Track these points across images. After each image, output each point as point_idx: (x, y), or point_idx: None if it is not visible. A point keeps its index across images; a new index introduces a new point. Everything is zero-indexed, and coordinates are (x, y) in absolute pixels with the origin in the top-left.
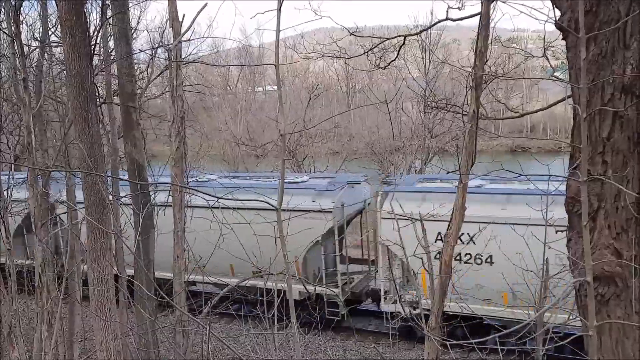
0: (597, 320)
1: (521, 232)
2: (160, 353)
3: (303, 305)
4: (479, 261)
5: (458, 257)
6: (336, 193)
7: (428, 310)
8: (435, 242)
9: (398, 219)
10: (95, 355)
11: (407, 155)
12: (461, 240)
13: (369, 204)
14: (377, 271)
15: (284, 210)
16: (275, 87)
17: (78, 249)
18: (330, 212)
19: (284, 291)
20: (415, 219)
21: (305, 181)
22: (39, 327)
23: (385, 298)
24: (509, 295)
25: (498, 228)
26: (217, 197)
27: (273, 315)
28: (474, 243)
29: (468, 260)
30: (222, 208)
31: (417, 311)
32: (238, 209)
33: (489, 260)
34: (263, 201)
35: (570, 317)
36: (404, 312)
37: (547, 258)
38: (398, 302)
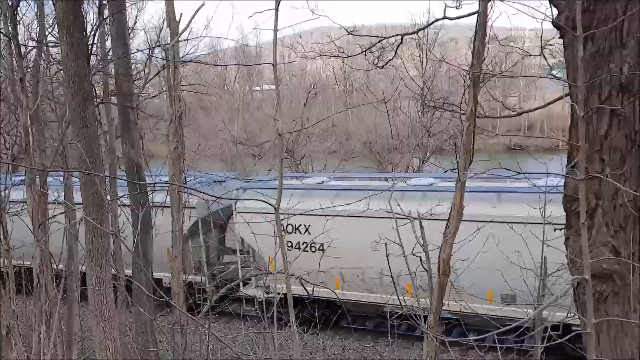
0: (596, 318)
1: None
2: (158, 353)
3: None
4: (313, 249)
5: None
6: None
7: (279, 293)
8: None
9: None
10: (94, 356)
11: (404, 154)
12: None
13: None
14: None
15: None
16: (273, 87)
17: (76, 249)
18: (194, 207)
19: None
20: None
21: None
22: (37, 327)
23: (244, 284)
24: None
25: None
26: (216, 197)
27: (272, 314)
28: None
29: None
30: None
31: (271, 295)
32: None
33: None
34: (262, 201)
35: (569, 315)
36: (259, 295)
37: (545, 257)
38: (254, 287)
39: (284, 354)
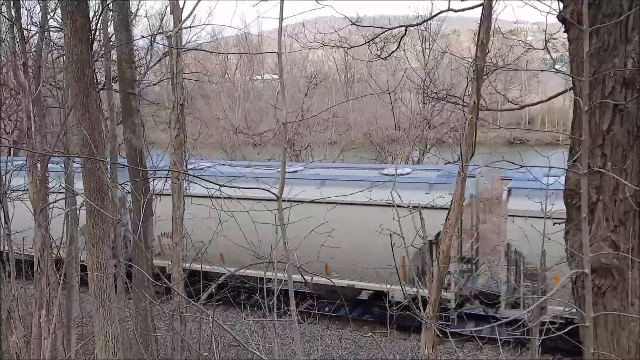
0: (594, 312)
1: None
2: (158, 339)
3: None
4: None
5: None
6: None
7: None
8: None
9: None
10: (93, 341)
11: (405, 145)
12: None
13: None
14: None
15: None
16: (274, 76)
17: (76, 234)
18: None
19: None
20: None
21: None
22: (37, 312)
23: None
24: None
25: None
26: (218, 184)
27: (272, 302)
28: None
29: None
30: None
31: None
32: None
33: None
34: (265, 189)
35: (566, 309)
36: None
37: (544, 250)
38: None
39: (281, 343)
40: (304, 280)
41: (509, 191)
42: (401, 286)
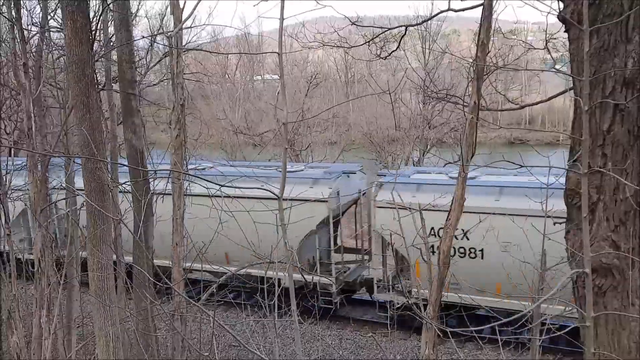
0: (594, 312)
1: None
2: (158, 339)
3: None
4: None
5: None
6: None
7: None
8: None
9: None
10: (94, 341)
11: (405, 145)
12: None
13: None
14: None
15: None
16: (274, 76)
17: (77, 235)
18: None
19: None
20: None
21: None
22: (37, 312)
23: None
24: None
25: None
26: (219, 184)
27: (272, 302)
28: None
29: None
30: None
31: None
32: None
33: None
34: (265, 189)
35: (567, 309)
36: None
37: (545, 250)
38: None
39: (282, 343)
40: (304, 281)
41: (380, 185)
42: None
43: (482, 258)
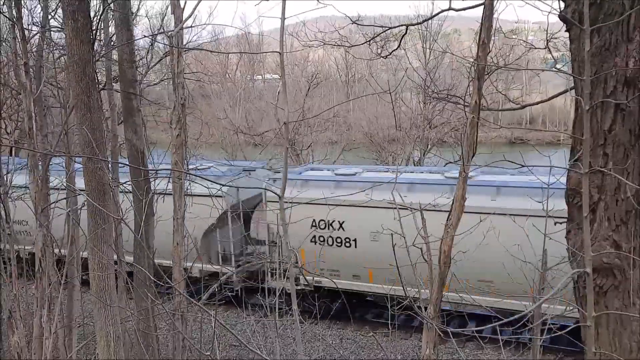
0: (595, 312)
1: None
2: (159, 339)
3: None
4: None
5: None
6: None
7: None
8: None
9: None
10: (94, 341)
11: (405, 145)
12: None
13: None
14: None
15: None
16: (275, 76)
17: (78, 234)
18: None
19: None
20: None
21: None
22: (38, 311)
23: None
24: None
25: None
26: (220, 184)
27: (273, 302)
28: None
29: None
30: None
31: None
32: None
33: None
34: (267, 190)
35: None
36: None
37: (545, 249)
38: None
39: (282, 343)
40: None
41: (274, 181)
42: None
43: (355, 247)
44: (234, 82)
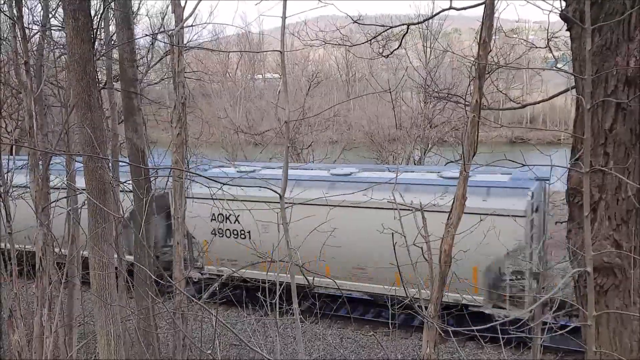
0: (596, 311)
1: None
2: (159, 338)
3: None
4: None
5: None
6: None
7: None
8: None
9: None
10: (95, 340)
11: (406, 144)
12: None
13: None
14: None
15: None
16: (275, 75)
17: (78, 233)
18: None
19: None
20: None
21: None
22: (39, 310)
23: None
24: None
25: None
26: (222, 183)
27: (274, 301)
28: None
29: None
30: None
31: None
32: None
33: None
34: (268, 188)
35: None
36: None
37: (546, 248)
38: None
39: (283, 342)
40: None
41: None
42: (404, 287)
43: (249, 238)
44: (234, 81)
